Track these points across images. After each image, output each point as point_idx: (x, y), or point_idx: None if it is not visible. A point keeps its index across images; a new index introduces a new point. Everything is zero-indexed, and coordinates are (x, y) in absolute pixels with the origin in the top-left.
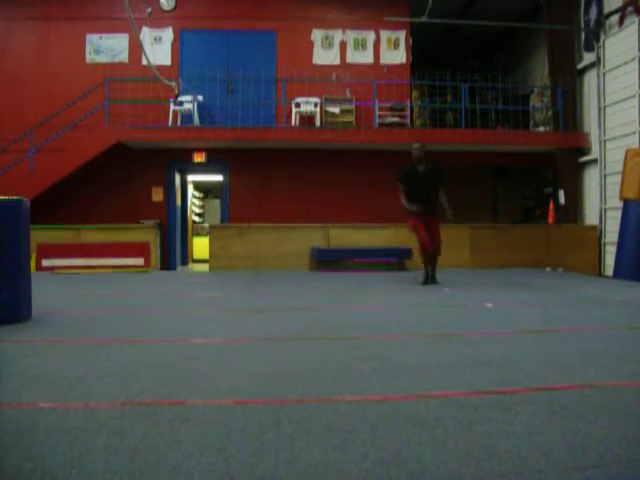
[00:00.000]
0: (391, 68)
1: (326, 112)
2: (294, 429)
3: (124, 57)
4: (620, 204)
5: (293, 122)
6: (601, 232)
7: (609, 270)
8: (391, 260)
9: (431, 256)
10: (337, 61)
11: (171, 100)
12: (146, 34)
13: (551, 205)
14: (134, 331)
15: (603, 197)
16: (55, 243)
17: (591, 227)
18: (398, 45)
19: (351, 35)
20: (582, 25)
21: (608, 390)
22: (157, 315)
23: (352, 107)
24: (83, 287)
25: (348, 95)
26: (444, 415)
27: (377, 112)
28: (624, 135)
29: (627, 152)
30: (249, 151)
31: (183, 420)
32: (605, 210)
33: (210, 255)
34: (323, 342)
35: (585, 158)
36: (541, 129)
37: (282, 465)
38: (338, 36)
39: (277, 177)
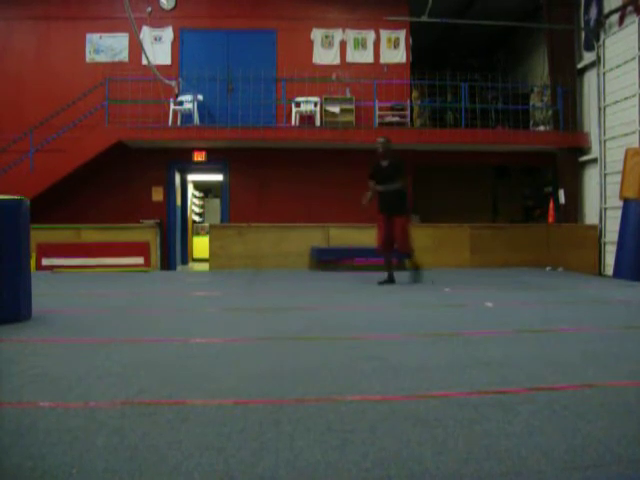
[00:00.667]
0: (391, 67)
1: (326, 112)
2: (294, 429)
3: (124, 57)
4: (620, 203)
5: (293, 122)
6: (601, 232)
7: (609, 270)
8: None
9: (388, 256)
10: (337, 61)
11: (171, 100)
12: (146, 33)
13: (551, 205)
14: (134, 331)
15: (603, 196)
16: (55, 243)
17: (591, 227)
18: (398, 44)
19: (351, 34)
20: (582, 24)
21: (608, 390)
22: (157, 315)
23: (352, 107)
24: (83, 287)
25: (348, 94)
26: (444, 415)
27: (377, 112)
28: (624, 135)
29: (627, 151)
30: (249, 151)
31: (183, 420)
32: (605, 209)
33: (210, 254)
34: (323, 342)
35: (585, 157)
36: (541, 128)
37: (282, 465)
38: (338, 35)
39: (277, 177)
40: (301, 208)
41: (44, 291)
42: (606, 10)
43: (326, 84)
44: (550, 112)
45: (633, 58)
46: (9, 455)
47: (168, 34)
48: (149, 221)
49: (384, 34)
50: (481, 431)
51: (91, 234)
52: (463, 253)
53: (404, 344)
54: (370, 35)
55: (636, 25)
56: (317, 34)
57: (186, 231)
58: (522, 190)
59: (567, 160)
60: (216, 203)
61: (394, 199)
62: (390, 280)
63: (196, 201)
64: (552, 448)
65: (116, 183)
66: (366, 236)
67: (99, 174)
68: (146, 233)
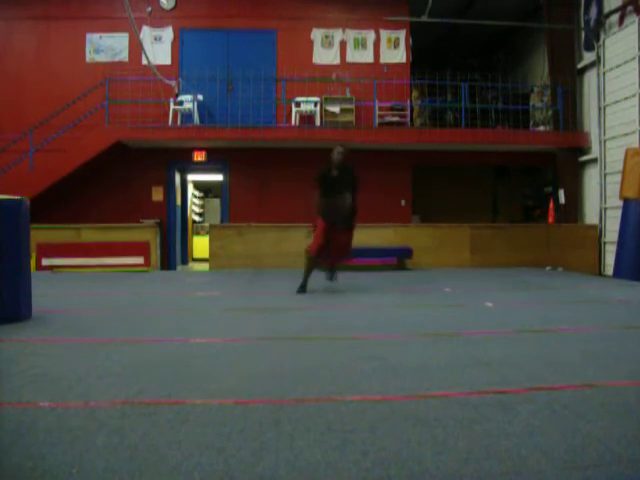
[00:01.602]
0: (391, 67)
1: (326, 111)
2: (294, 429)
3: (124, 56)
4: (620, 203)
5: (293, 122)
6: (601, 231)
7: (609, 269)
8: (391, 260)
9: (317, 265)
10: (337, 60)
11: (171, 100)
12: (146, 33)
13: (551, 204)
14: (134, 331)
15: (603, 196)
16: (55, 242)
17: (591, 226)
18: (398, 44)
19: (351, 34)
20: (582, 24)
21: (608, 390)
22: (157, 315)
23: (352, 106)
24: (83, 286)
25: (348, 94)
26: (444, 415)
27: (377, 111)
28: (624, 134)
29: (627, 151)
30: (249, 150)
31: (183, 420)
32: (605, 209)
33: (210, 254)
34: (323, 342)
35: (585, 157)
36: (541, 128)
37: (282, 465)
38: (338, 35)
39: (277, 177)
40: (301, 208)
41: (44, 291)
42: (606, 10)
43: (326, 84)
44: (550, 112)
45: (633, 58)
46: (9, 455)
47: (168, 34)
48: (149, 221)
49: (384, 34)
50: (481, 431)
51: (91, 234)
52: (463, 253)
53: (404, 344)
54: (370, 35)
55: (636, 25)
56: (317, 34)
57: (186, 231)
58: (522, 190)
59: (567, 160)
60: (216, 203)
61: (345, 212)
62: (331, 276)
63: (196, 201)
64: (552, 448)
65: (116, 183)
66: (366, 236)
67: (99, 174)
68: (146, 233)
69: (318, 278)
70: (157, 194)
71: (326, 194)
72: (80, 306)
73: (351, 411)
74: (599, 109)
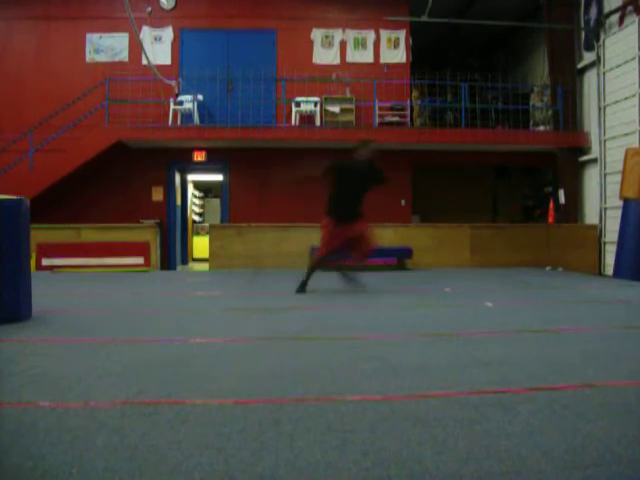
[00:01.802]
0: (391, 67)
1: (326, 111)
2: (294, 428)
3: (124, 56)
4: (620, 203)
5: (293, 121)
6: (601, 231)
7: (609, 269)
8: (391, 260)
9: (323, 267)
10: (337, 60)
11: (171, 99)
12: (146, 33)
13: (551, 204)
14: (134, 331)
15: (603, 196)
16: (55, 242)
17: (591, 226)
18: (398, 44)
19: (351, 34)
20: (582, 24)
21: (608, 390)
22: (157, 315)
23: (352, 106)
24: (83, 287)
25: (348, 94)
26: (444, 415)
27: (377, 111)
28: (624, 134)
29: (627, 151)
30: (249, 150)
31: (183, 420)
32: (605, 209)
33: (210, 254)
34: (323, 342)
35: (585, 157)
36: (541, 128)
37: (282, 464)
38: (338, 35)
39: (277, 177)
40: (301, 208)
41: (44, 291)
42: (606, 10)
43: (326, 84)
44: (550, 112)
45: (633, 58)
46: (9, 455)
47: (168, 34)
48: (149, 221)
49: (384, 34)
50: (481, 431)
51: (91, 234)
52: (463, 253)
53: (404, 344)
54: (370, 35)
55: (636, 25)
56: (317, 34)
57: (186, 231)
58: (522, 190)
59: (567, 160)
60: (216, 203)
61: (358, 208)
62: (347, 276)
63: (196, 201)
64: (552, 448)
65: (116, 183)
66: None
67: (99, 174)
68: (146, 233)
69: (318, 278)
70: (157, 194)
71: (341, 189)
72: (80, 306)
73: (351, 411)
74: (599, 109)
